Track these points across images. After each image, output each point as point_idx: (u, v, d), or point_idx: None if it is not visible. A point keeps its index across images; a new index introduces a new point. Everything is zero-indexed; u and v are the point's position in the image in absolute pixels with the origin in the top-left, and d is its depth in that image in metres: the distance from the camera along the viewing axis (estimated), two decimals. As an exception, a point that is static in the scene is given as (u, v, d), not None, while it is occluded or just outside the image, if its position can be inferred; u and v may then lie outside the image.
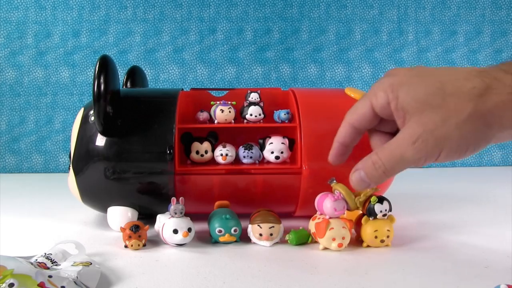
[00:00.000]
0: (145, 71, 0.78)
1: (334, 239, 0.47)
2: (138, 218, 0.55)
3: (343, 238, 0.47)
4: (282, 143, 0.55)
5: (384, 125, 0.43)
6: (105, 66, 0.52)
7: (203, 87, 0.79)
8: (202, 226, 0.54)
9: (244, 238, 0.51)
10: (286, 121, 0.57)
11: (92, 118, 0.55)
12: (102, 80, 0.52)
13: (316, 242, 0.49)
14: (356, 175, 0.41)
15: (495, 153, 1.19)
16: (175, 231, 0.48)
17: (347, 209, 0.48)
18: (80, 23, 1.11)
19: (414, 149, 0.37)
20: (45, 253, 0.42)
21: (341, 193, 0.47)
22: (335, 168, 0.55)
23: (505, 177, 1.00)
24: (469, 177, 1.03)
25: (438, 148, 0.36)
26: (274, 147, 0.55)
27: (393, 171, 0.39)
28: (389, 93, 0.39)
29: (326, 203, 0.47)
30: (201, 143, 0.55)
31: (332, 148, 0.46)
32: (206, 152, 0.55)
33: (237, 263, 0.44)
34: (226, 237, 0.49)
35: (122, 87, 0.69)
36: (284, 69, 1.14)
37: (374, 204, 0.48)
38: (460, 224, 0.59)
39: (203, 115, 0.58)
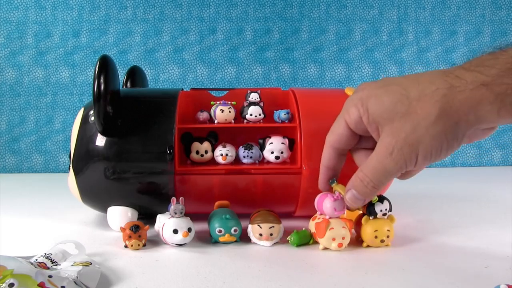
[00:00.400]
0: (145, 71, 0.78)
1: (334, 239, 0.47)
2: (138, 218, 0.55)
3: (343, 238, 0.47)
4: (282, 143, 0.55)
5: (364, 142, 0.44)
6: (105, 66, 0.52)
7: (203, 87, 0.79)
8: (202, 226, 0.54)
9: (244, 238, 0.51)
10: (286, 121, 0.57)
11: (92, 118, 0.55)
12: (102, 80, 0.52)
13: (316, 242, 0.49)
14: (349, 195, 0.43)
15: (495, 153, 1.19)
16: (175, 231, 0.48)
17: (347, 209, 0.48)
18: (80, 23, 1.11)
19: (392, 160, 0.38)
20: (45, 253, 0.42)
21: (341, 194, 0.47)
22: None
23: (505, 177, 1.00)
24: (469, 177, 1.03)
25: (414, 154, 0.37)
26: (274, 147, 0.55)
27: (381, 184, 0.41)
28: (360, 108, 0.40)
29: (326, 203, 0.47)
30: (201, 143, 0.55)
31: (320, 174, 0.47)
32: (206, 152, 0.55)
33: (237, 263, 0.44)
34: (226, 237, 0.49)
35: (122, 87, 0.69)
36: (284, 69, 1.14)
37: (374, 204, 0.48)
38: (460, 224, 0.59)
39: (203, 115, 0.58)
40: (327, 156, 0.45)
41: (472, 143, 0.39)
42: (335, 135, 0.43)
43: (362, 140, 0.43)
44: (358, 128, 0.41)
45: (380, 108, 0.38)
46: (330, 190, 0.49)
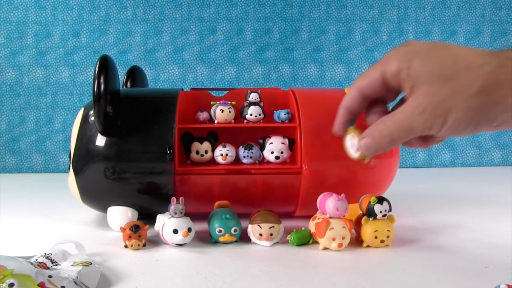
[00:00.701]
0: (145, 71, 0.78)
1: (334, 239, 0.47)
2: (138, 218, 0.55)
3: (343, 238, 0.47)
4: (282, 143, 0.55)
5: (386, 96, 0.43)
6: (105, 66, 0.52)
7: (203, 87, 0.79)
8: (202, 226, 0.54)
9: (244, 238, 0.51)
10: (286, 121, 0.57)
11: (92, 118, 0.55)
12: (102, 80, 0.52)
13: (316, 242, 0.49)
14: (364, 141, 0.41)
15: (495, 153, 1.19)
16: (175, 231, 0.48)
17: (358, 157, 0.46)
18: (80, 23, 1.11)
19: (421, 118, 0.37)
20: (45, 253, 0.42)
21: (354, 137, 0.45)
22: (335, 168, 0.55)
23: (505, 177, 1.00)
24: (469, 177, 1.03)
25: (443, 119, 0.37)
26: (274, 147, 0.55)
27: (400, 139, 0.40)
28: (402, 62, 0.39)
29: (328, 203, 0.47)
30: (201, 143, 0.55)
31: (338, 116, 0.45)
32: (206, 152, 0.55)
33: (237, 263, 0.44)
34: (226, 237, 0.49)
35: (122, 87, 0.69)
36: (284, 69, 1.14)
37: (373, 205, 0.48)
38: (460, 224, 0.59)
39: (203, 115, 0.58)
40: (350, 98, 0.44)
41: (496, 131, 0.39)
42: (367, 79, 0.42)
43: (386, 94, 0.43)
44: (392, 80, 0.40)
45: (425, 67, 0.38)
46: (331, 190, 0.49)
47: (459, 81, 0.36)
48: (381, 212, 0.48)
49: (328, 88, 1.11)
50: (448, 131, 0.37)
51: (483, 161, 1.19)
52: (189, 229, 0.48)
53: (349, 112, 0.45)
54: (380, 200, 0.48)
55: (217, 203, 0.54)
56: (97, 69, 0.52)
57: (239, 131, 0.58)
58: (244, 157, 0.55)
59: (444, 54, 0.38)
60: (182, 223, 0.48)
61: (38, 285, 0.33)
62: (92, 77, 0.72)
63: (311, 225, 0.50)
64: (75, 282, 0.36)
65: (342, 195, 0.47)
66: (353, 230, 0.50)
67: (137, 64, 0.84)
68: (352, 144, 0.45)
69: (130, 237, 0.48)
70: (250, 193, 0.57)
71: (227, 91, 0.62)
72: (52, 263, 0.40)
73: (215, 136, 0.56)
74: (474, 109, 0.36)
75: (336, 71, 1.15)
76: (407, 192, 0.77)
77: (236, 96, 0.59)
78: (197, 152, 0.55)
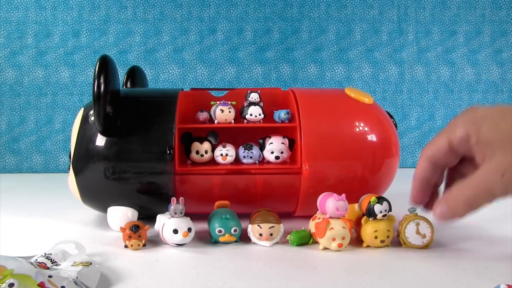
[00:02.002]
0: (145, 71, 0.78)
1: (334, 239, 0.47)
2: (138, 218, 0.55)
3: (343, 238, 0.47)
4: (282, 143, 0.55)
5: (462, 167, 0.43)
6: (105, 66, 0.52)
7: (203, 87, 0.79)
8: (202, 226, 0.54)
9: (244, 238, 0.51)
10: (286, 121, 0.57)
11: (92, 118, 0.55)
12: (102, 80, 0.52)
13: (316, 242, 0.49)
14: (439, 210, 0.41)
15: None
16: (175, 231, 0.48)
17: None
18: (80, 23, 1.11)
19: (503, 181, 0.37)
20: (45, 253, 0.42)
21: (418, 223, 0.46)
22: (335, 168, 0.55)
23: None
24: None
25: None
26: (274, 147, 0.55)
27: (479, 204, 0.39)
28: (470, 128, 0.39)
29: (328, 203, 0.47)
30: (201, 143, 0.55)
31: (413, 188, 0.45)
32: (206, 152, 0.55)
33: (237, 263, 0.44)
34: (226, 237, 0.49)
35: (122, 87, 0.69)
36: (284, 69, 1.14)
37: (373, 205, 0.48)
38: (460, 224, 0.59)
39: (203, 115, 0.58)
40: (421, 168, 0.44)
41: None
42: (433, 147, 0.42)
43: (460, 164, 0.43)
44: (460, 147, 0.40)
45: (495, 132, 0.38)
46: (331, 190, 0.49)
47: None
48: (381, 212, 0.48)
49: (328, 88, 1.11)
50: None
51: (483, 161, 1.18)
52: (189, 229, 0.48)
53: (423, 182, 0.44)
54: (380, 200, 0.48)
55: (217, 203, 0.54)
56: (97, 69, 0.52)
57: (239, 131, 0.58)
58: (244, 157, 0.55)
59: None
60: (182, 223, 0.48)
61: (38, 285, 0.33)
62: (92, 77, 0.72)
63: (311, 225, 0.50)
64: (75, 282, 0.36)
65: (342, 195, 0.47)
66: (353, 230, 0.50)
67: (137, 64, 0.84)
68: (416, 231, 0.47)
69: (130, 237, 0.48)
70: (250, 193, 0.57)
71: (227, 91, 0.62)
72: (52, 263, 0.40)
73: (215, 136, 0.56)
74: None
75: (336, 71, 1.15)
76: (407, 192, 0.77)
77: (236, 96, 0.59)
78: (197, 152, 0.55)
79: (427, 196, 0.45)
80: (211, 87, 1.12)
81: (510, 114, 0.38)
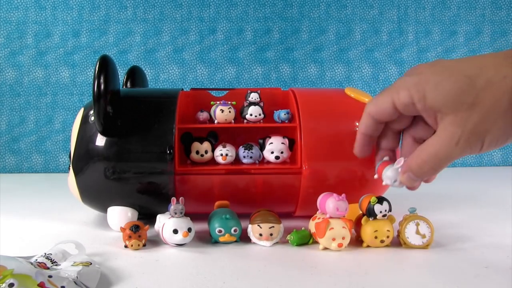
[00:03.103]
0: (145, 71, 0.78)
1: (334, 239, 0.47)
2: (138, 218, 0.55)
3: (343, 238, 0.47)
4: (282, 143, 0.55)
5: (400, 122, 0.44)
6: (105, 66, 0.52)
7: (203, 87, 0.79)
8: (202, 226, 0.54)
9: (244, 238, 0.51)
10: (286, 121, 0.57)
11: (92, 118, 0.55)
12: (102, 80, 0.52)
13: (316, 242, 0.49)
14: (406, 177, 0.43)
15: (495, 153, 1.19)
16: (175, 231, 0.48)
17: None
18: (80, 23, 1.11)
19: (458, 149, 0.38)
20: (45, 253, 0.42)
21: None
22: (335, 168, 0.55)
23: (505, 177, 1.00)
24: (469, 177, 1.03)
25: (480, 143, 0.37)
26: (274, 147, 0.55)
27: (442, 168, 0.41)
28: (414, 93, 0.39)
29: (328, 203, 0.47)
30: (201, 143, 0.55)
31: (356, 140, 0.47)
32: (206, 152, 0.55)
33: (237, 263, 0.44)
34: (226, 237, 0.49)
35: (122, 87, 0.69)
36: (284, 69, 1.14)
37: (374, 205, 0.48)
38: (460, 224, 0.59)
39: (203, 115, 0.58)
40: (364, 124, 0.45)
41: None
42: (377, 108, 0.43)
43: (400, 117, 0.44)
44: (406, 110, 0.41)
45: (443, 97, 0.38)
46: (331, 190, 0.49)
47: (484, 104, 0.36)
48: (381, 212, 0.48)
49: (328, 88, 1.11)
50: (488, 149, 0.38)
51: (483, 161, 1.19)
52: (189, 229, 0.48)
53: (366, 136, 0.46)
54: (380, 200, 0.48)
55: (217, 203, 0.54)
56: (97, 69, 0.52)
57: (239, 131, 0.58)
58: (244, 157, 0.55)
59: (458, 79, 0.37)
60: (182, 223, 0.48)
61: (38, 285, 0.33)
62: (92, 77, 0.72)
63: (311, 225, 0.50)
64: (75, 282, 0.36)
65: (342, 195, 0.47)
66: (353, 230, 0.50)
67: (137, 64, 0.84)
68: (416, 231, 0.48)
69: (130, 237, 0.48)
70: (250, 193, 0.57)
71: (227, 91, 0.62)
72: (52, 263, 0.40)
73: (215, 136, 0.56)
74: (507, 125, 0.36)
75: (336, 71, 1.15)
76: (407, 192, 0.77)
77: (236, 96, 0.59)
78: (197, 152, 0.55)
79: (370, 149, 0.48)
80: (211, 87, 1.12)
81: (451, 72, 0.38)
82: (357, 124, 0.56)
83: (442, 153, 0.39)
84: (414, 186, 0.44)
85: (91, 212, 0.63)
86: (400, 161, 0.45)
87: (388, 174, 0.46)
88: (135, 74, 0.70)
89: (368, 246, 0.49)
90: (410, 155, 0.43)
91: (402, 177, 0.44)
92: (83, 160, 0.54)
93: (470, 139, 0.37)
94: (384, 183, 0.47)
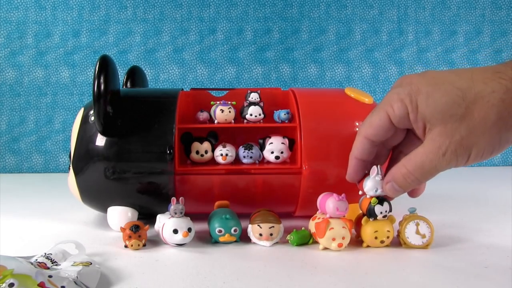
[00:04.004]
0: (145, 71, 0.78)
1: (334, 239, 0.47)
2: (138, 218, 0.55)
3: (343, 238, 0.47)
4: (282, 143, 0.55)
5: (396, 136, 0.44)
6: (105, 66, 0.52)
7: (203, 87, 0.79)
8: (202, 226, 0.54)
9: (244, 238, 0.51)
10: (286, 121, 0.57)
11: (92, 118, 0.55)
12: (102, 80, 0.52)
13: (316, 242, 0.49)
14: (389, 187, 0.43)
15: (495, 153, 1.19)
16: (175, 231, 0.48)
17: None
18: (80, 23, 1.11)
19: (444, 160, 0.38)
20: (45, 253, 0.42)
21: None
22: (335, 168, 0.55)
23: (505, 177, 1.00)
24: (469, 177, 1.03)
25: (466, 155, 0.38)
26: (274, 147, 0.55)
27: (427, 179, 0.41)
28: (408, 104, 0.39)
29: (328, 203, 0.47)
30: (201, 143, 0.55)
31: (349, 165, 0.46)
32: (206, 152, 0.55)
33: (237, 263, 0.44)
34: (226, 237, 0.49)
35: (122, 87, 0.69)
36: (284, 69, 1.14)
37: (374, 206, 0.48)
38: (460, 224, 0.59)
39: (203, 115, 0.58)
40: (360, 148, 0.45)
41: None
42: (373, 127, 0.43)
43: (395, 134, 0.44)
44: (401, 123, 0.41)
45: (434, 107, 0.38)
46: (331, 190, 0.49)
47: (473, 116, 0.36)
48: (381, 213, 0.48)
49: (328, 88, 1.11)
50: (473, 162, 0.39)
51: (483, 161, 1.18)
52: (189, 229, 0.48)
53: (361, 161, 0.46)
54: (381, 200, 0.48)
55: (217, 203, 0.54)
56: (97, 69, 0.52)
57: (239, 131, 0.58)
58: (244, 157, 0.55)
59: (448, 90, 0.38)
60: (182, 223, 0.48)
61: (38, 285, 0.33)
62: (92, 77, 0.72)
63: (311, 225, 0.50)
64: (75, 282, 0.36)
65: (342, 195, 0.47)
66: (353, 230, 0.50)
67: (137, 64, 0.84)
68: (416, 231, 0.48)
69: (130, 237, 0.48)
70: (250, 193, 0.57)
71: (227, 91, 0.62)
72: (52, 263, 0.40)
73: (215, 136, 0.56)
74: (494, 138, 0.37)
75: (336, 71, 1.15)
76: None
77: (236, 96, 0.59)
78: (197, 152, 0.55)
79: (362, 173, 0.47)
80: (211, 87, 1.12)
81: (442, 84, 0.38)
82: (357, 124, 0.56)
83: (428, 164, 0.39)
84: (396, 196, 0.44)
85: (91, 212, 0.63)
86: (374, 170, 0.45)
87: (368, 184, 0.46)
88: (135, 74, 0.71)
89: (368, 246, 0.48)
90: (394, 165, 0.43)
91: (385, 186, 0.44)
92: (83, 160, 0.54)
93: (457, 150, 0.38)
94: (367, 195, 0.47)
